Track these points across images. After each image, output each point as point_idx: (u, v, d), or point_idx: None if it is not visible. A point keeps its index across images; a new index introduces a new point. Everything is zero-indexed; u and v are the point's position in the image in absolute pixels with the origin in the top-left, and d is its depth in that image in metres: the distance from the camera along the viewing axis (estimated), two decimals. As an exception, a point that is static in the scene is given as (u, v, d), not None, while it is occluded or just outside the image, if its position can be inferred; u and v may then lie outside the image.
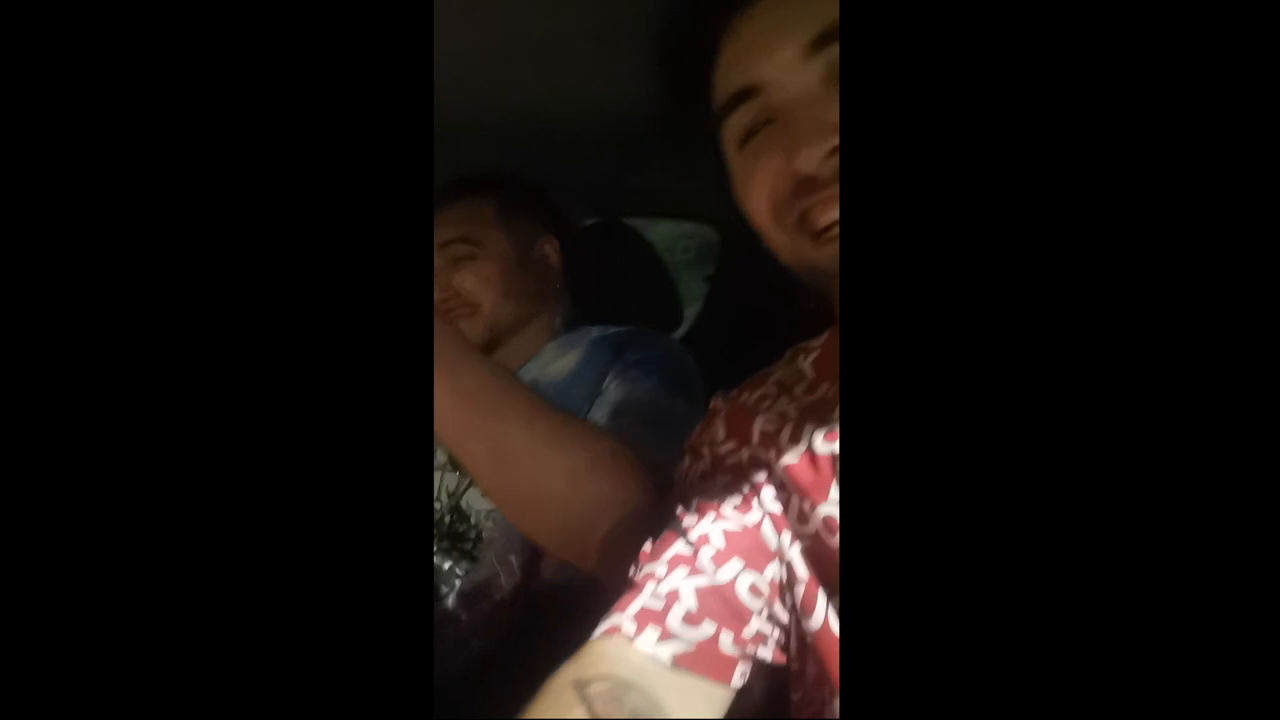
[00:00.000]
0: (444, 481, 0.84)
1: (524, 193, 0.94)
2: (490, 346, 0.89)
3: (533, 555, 0.78)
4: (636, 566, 0.45)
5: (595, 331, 0.89)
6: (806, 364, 0.50)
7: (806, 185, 0.41)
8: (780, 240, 0.44)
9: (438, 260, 0.87)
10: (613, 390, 0.77)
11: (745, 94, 0.43)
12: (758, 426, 0.46)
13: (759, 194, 0.44)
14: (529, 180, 0.94)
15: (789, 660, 0.44)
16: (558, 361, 0.87)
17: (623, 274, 1.13)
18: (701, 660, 0.40)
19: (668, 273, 1.18)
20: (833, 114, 0.40)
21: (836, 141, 0.39)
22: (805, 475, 0.42)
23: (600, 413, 0.76)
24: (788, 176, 0.41)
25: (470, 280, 0.87)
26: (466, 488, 0.83)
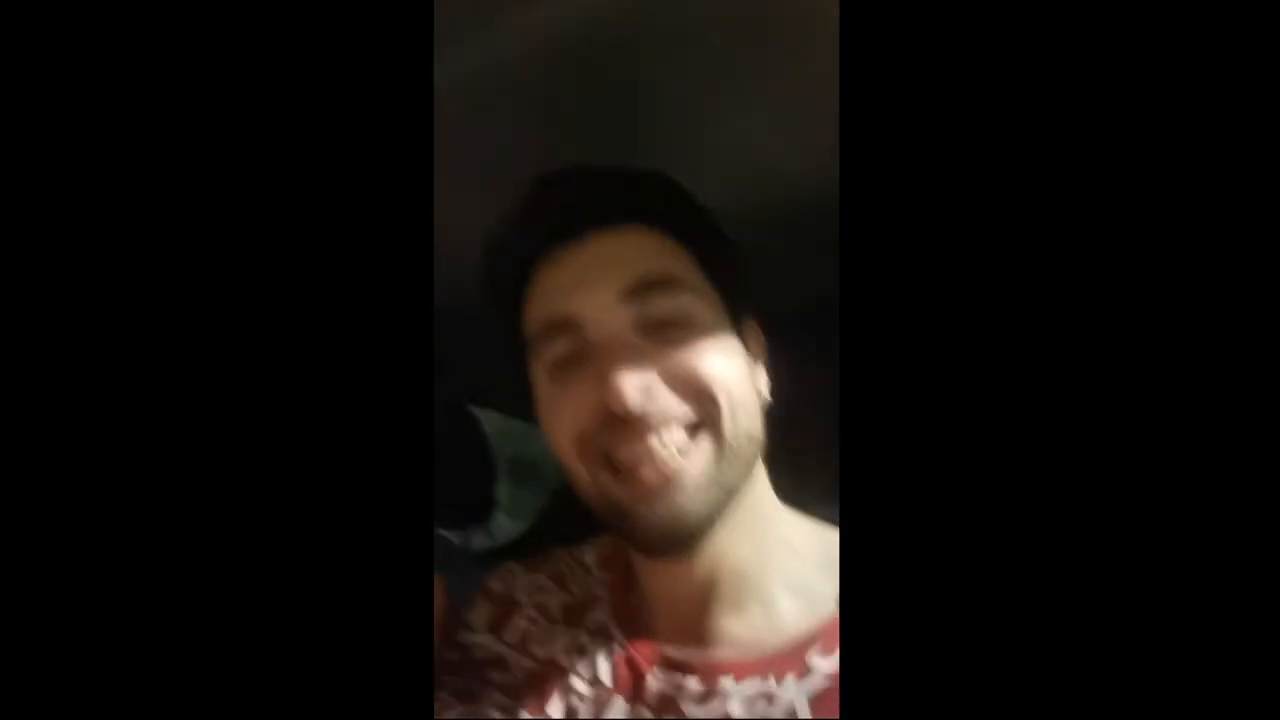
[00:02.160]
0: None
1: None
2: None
3: None
4: None
5: None
6: (591, 558, 0.51)
7: (614, 422, 0.41)
8: (581, 473, 0.44)
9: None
10: None
11: (561, 325, 0.43)
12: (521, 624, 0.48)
13: (565, 425, 0.43)
14: None
15: None
16: None
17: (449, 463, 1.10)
18: None
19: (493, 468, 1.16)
20: (640, 360, 0.41)
21: (644, 384, 0.41)
22: None
23: None
24: (596, 412, 0.42)
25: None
26: None
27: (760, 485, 0.46)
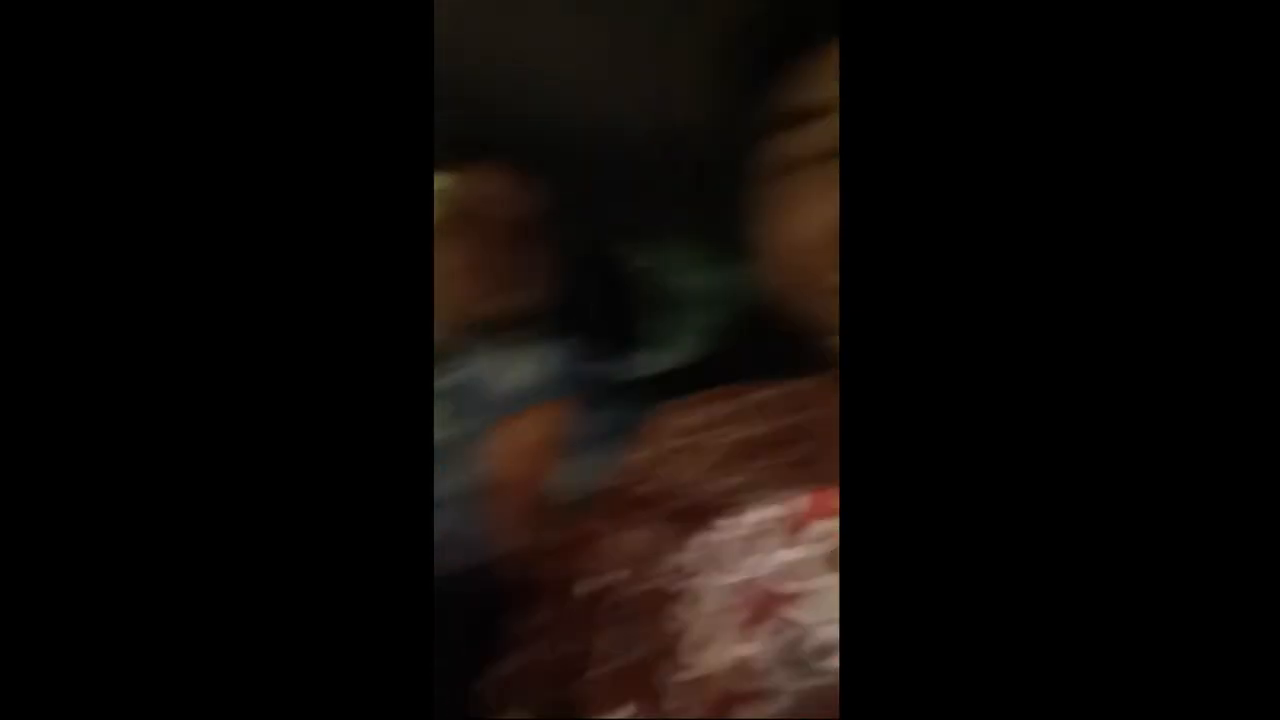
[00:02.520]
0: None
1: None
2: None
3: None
4: None
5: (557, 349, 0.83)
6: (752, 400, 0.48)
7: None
8: (788, 283, 0.41)
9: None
10: None
11: (813, 113, 0.38)
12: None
13: (786, 233, 0.40)
14: None
15: None
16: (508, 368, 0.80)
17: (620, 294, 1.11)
18: None
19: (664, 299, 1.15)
20: None
21: None
22: None
23: None
24: (824, 227, 0.37)
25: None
26: None
27: None
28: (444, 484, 0.76)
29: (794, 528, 0.40)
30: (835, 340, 0.39)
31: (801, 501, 0.41)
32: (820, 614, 0.37)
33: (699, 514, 0.43)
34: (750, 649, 0.37)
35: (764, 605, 0.38)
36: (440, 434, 0.78)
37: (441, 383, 0.81)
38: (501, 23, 0.66)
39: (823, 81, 0.39)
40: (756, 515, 0.42)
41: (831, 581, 0.37)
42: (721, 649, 0.38)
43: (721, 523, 0.42)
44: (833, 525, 0.39)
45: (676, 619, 0.40)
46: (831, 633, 0.36)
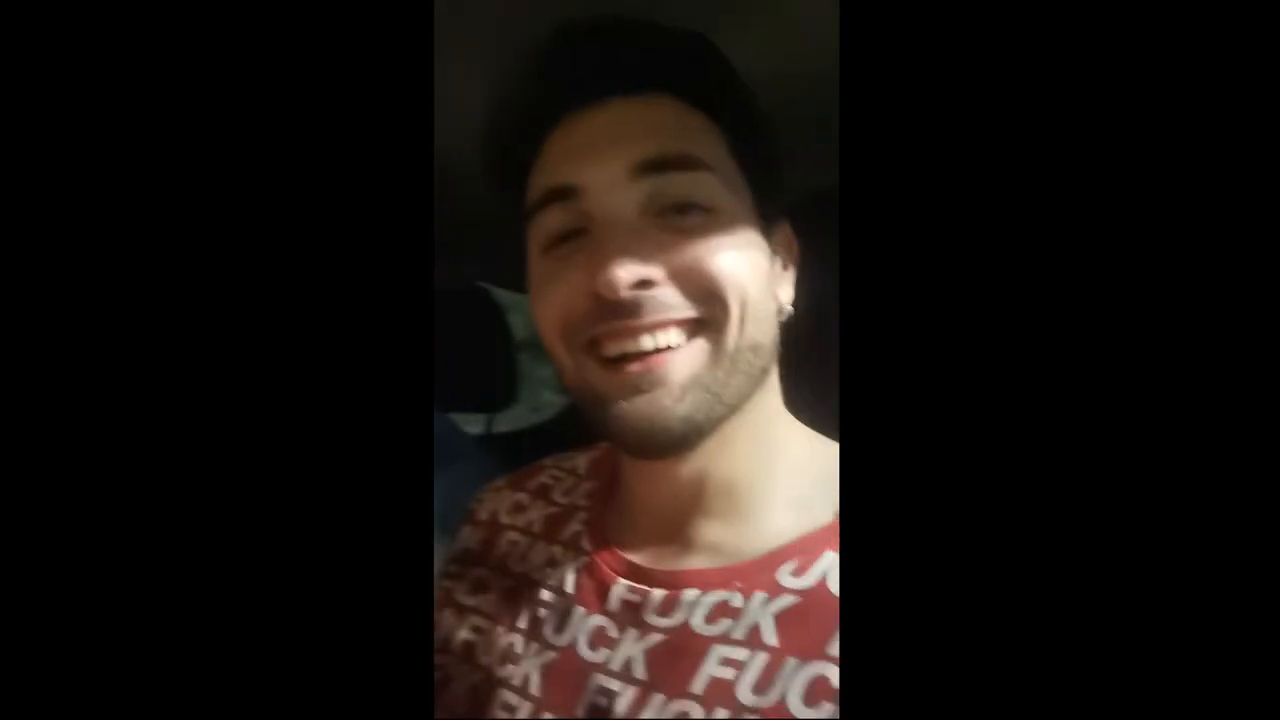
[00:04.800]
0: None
1: None
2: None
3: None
4: None
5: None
6: (583, 464, 0.51)
7: (605, 310, 0.38)
8: (565, 360, 0.41)
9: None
10: None
11: (562, 193, 0.40)
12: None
13: (553, 307, 0.40)
14: None
15: None
16: None
17: (465, 346, 1.09)
18: None
19: (513, 353, 1.14)
20: (643, 246, 0.37)
21: (644, 274, 0.37)
22: None
23: None
24: (586, 296, 0.38)
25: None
26: None
27: (769, 397, 0.43)
28: None
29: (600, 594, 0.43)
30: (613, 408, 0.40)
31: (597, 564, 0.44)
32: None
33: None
34: None
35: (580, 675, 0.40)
36: None
37: None
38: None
39: (562, 167, 0.40)
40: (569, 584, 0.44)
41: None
42: None
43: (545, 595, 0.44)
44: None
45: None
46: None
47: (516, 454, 0.66)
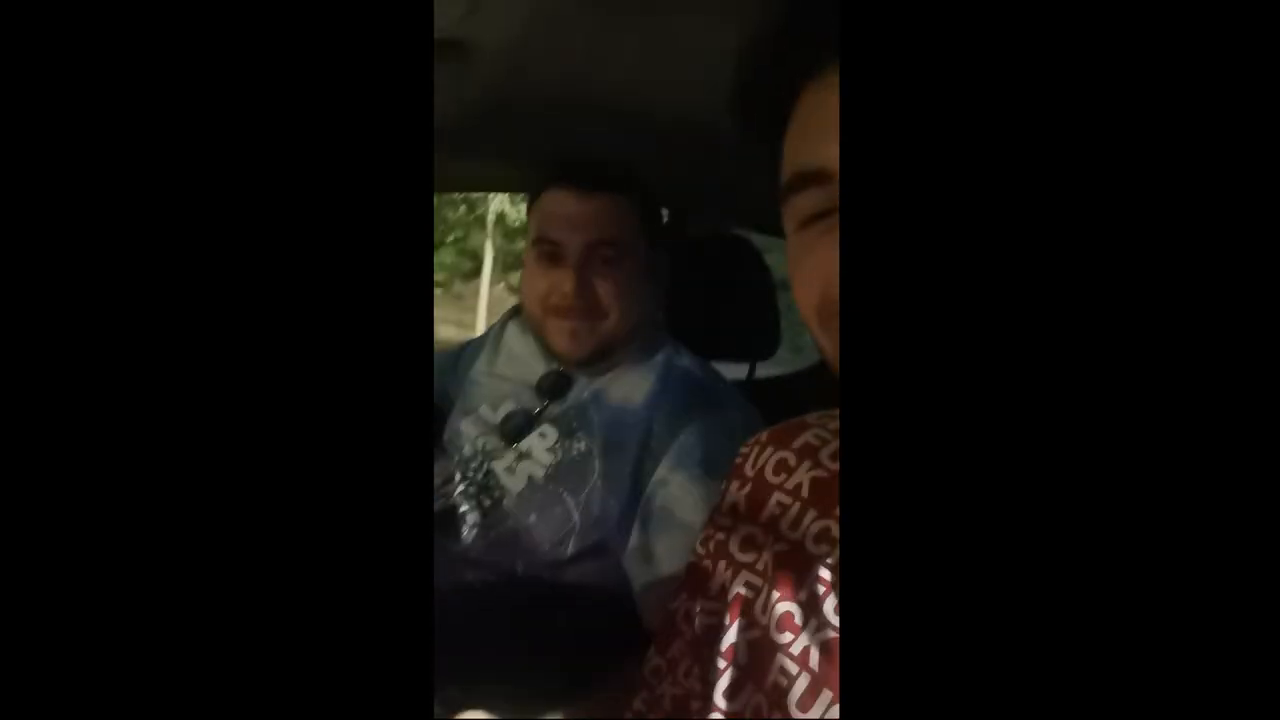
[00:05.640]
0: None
1: (651, 194, 0.88)
2: (597, 359, 0.83)
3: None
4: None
5: (675, 358, 0.84)
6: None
7: None
8: (823, 339, 0.40)
9: (576, 258, 0.81)
10: (673, 487, 0.77)
11: (813, 178, 0.38)
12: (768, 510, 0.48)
13: (809, 287, 0.39)
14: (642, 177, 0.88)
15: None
16: (628, 381, 0.83)
17: (727, 294, 1.09)
18: None
19: (774, 300, 1.13)
20: None
21: None
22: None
23: (667, 479, 0.78)
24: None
25: (609, 286, 0.81)
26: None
27: None
28: (567, 502, 0.80)
29: None
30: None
31: None
32: None
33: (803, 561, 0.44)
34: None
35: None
36: (558, 455, 0.82)
37: (560, 406, 0.84)
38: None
39: (819, 148, 0.38)
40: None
41: None
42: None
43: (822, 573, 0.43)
44: None
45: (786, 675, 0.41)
46: None
47: (779, 402, 0.66)
